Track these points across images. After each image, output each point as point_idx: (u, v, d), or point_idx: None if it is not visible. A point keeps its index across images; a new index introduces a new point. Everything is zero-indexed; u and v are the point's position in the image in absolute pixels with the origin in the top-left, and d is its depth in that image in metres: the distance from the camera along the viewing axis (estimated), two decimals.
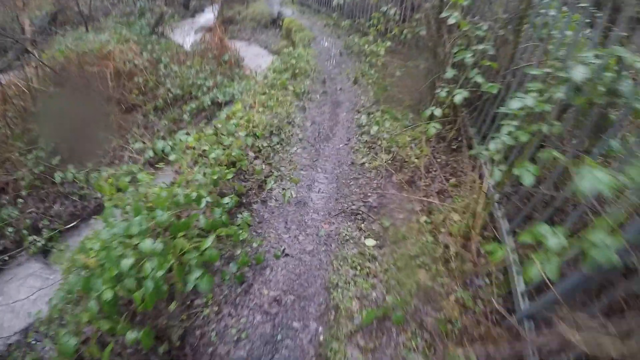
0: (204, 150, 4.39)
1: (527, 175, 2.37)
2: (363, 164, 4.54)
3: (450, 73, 3.88)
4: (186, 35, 12.53)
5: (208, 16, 14.47)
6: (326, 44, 8.78)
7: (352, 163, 4.61)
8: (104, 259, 2.63)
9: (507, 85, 3.80)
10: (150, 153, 6.40)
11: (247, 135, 4.46)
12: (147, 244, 2.65)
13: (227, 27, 12.66)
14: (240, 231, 3.44)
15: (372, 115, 5.42)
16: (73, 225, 5.79)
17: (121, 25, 11.38)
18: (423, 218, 3.76)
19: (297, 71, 6.58)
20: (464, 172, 4.28)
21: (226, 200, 3.63)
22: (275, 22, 11.90)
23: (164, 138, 6.76)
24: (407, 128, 4.93)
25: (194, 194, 3.42)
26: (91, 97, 7.27)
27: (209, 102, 6.96)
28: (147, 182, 4.30)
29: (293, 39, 9.37)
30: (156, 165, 5.67)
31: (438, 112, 3.87)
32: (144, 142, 6.82)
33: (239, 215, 3.86)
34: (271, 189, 4.27)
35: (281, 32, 10.82)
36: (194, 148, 4.55)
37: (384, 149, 4.67)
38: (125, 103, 7.54)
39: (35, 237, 5.35)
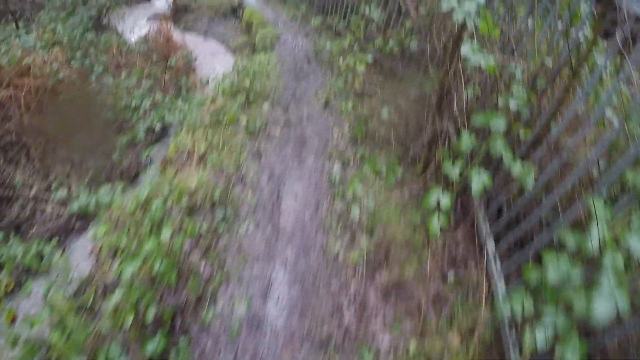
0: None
1: None
2: (337, 255, 3.35)
3: (466, 143, 2.70)
4: (136, 25, 10.86)
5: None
6: (292, 45, 7.37)
7: (323, 251, 3.40)
8: None
9: (539, 165, 2.67)
10: (75, 206, 5.09)
11: (178, 231, 3.23)
12: None
13: (182, 17, 11.02)
14: None
15: (348, 166, 4.19)
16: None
17: (55, 20, 9.65)
18: (413, 345, 2.74)
19: (252, 94, 5.22)
20: (465, 262, 3.23)
21: (150, 347, 2.60)
22: (235, 11, 10.30)
23: (91, 182, 5.42)
24: (395, 190, 3.76)
25: None
26: (6, 130, 5.84)
27: (144, 134, 5.57)
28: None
29: (254, 37, 7.91)
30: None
31: (445, 200, 2.69)
32: (69, 188, 5.49)
33: (172, 351, 2.71)
34: (214, 303, 3.07)
35: (241, 25, 9.29)
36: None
37: (364, 228, 3.48)
38: (47, 133, 6.11)
39: None
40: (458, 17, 2.55)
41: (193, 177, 3.71)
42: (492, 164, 3.03)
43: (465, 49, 2.63)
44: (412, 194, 3.75)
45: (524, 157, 2.77)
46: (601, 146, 2.16)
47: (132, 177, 5.30)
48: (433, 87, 3.95)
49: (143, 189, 3.58)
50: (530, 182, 2.43)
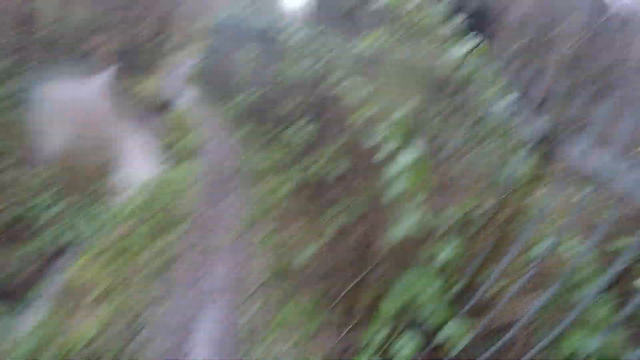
0: None
1: None
2: None
3: (388, 310, 2.53)
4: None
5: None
6: (217, 154, 7.26)
7: None
8: None
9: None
10: None
11: None
12: None
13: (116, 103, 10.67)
14: None
15: (264, 309, 3.92)
16: None
17: None
18: None
19: (166, 217, 4.87)
20: None
21: None
22: (166, 108, 10.13)
23: None
24: (316, 340, 3.53)
25: None
26: None
27: (48, 245, 5.03)
28: None
29: (179, 141, 7.74)
30: None
31: None
32: None
33: None
34: None
35: (171, 124, 9.06)
36: None
37: None
38: None
39: None
40: (391, 191, 2.47)
41: (88, 324, 3.31)
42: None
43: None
44: (335, 343, 3.50)
45: (453, 306, 2.59)
46: (535, 308, 1.98)
47: (27, 292, 4.66)
48: (359, 220, 3.87)
49: (29, 339, 3.13)
50: (461, 345, 2.25)
